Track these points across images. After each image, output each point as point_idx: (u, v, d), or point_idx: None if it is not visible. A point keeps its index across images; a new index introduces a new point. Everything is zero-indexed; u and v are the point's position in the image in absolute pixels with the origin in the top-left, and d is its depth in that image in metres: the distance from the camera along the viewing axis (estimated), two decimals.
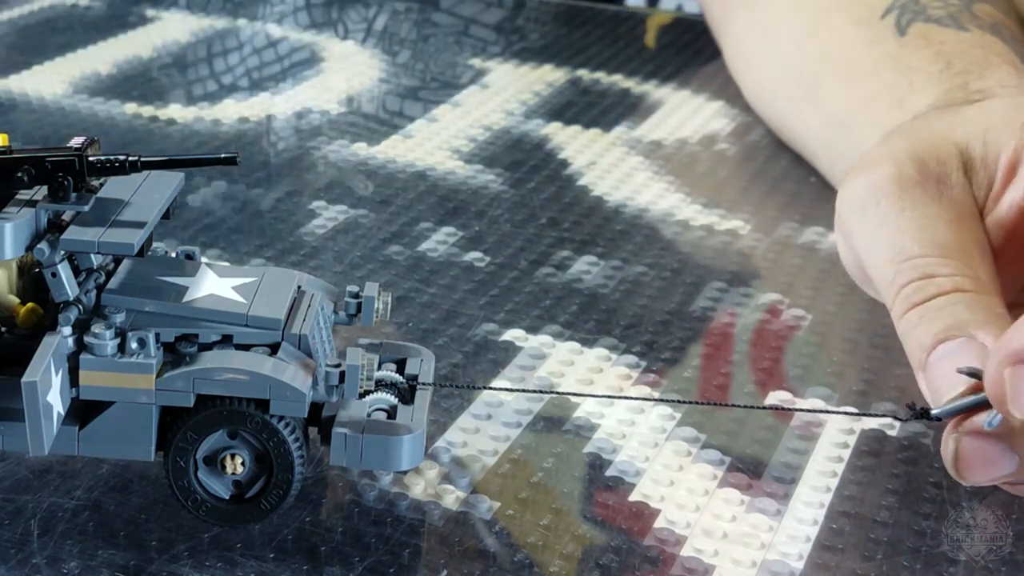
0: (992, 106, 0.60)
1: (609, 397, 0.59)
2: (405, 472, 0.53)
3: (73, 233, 0.48)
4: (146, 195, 0.51)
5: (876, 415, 0.57)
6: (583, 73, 1.00)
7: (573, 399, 0.60)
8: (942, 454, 0.50)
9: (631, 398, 0.60)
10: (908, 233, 0.55)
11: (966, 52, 0.71)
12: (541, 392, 0.59)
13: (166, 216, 0.51)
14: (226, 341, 0.49)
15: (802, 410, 0.59)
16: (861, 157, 0.62)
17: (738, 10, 0.91)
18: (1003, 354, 0.47)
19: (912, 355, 0.52)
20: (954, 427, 0.49)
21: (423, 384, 0.52)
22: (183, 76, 0.97)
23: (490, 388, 0.60)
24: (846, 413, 0.58)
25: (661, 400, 0.60)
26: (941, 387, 0.50)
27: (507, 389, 0.59)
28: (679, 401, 0.60)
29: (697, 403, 0.59)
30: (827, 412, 0.59)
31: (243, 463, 0.49)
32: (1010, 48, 0.72)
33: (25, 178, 0.48)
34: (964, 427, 0.49)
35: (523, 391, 0.59)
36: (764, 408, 0.59)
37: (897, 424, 0.58)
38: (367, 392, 0.51)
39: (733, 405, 0.59)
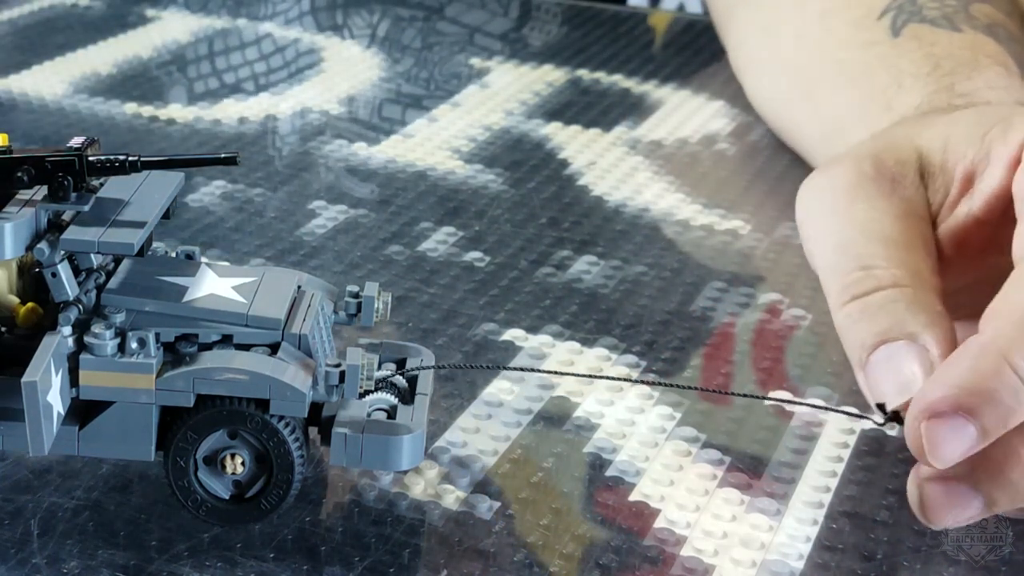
0: (961, 116, 0.60)
1: (589, 377, 0.59)
2: (405, 472, 0.53)
3: (73, 233, 0.48)
4: (146, 195, 0.51)
5: (852, 414, 0.57)
6: (583, 73, 1.00)
7: (573, 399, 0.60)
8: (909, 500, 0.50)
9: (612, 378, 0.60)
10: (854, 224, 0.55)
11: (955, 53, 0.71)
12: (525, 370, 0.60)
13: (166, 216, 0.51)
14: (226, 341, 0.49)
15: (781, 400, 0.59)
16: (828, 160, 0.62)
17: (741, 9, 0.91)
18: (918, 408, 0.48)
19: (851, 351, 0.53)
20: (916, 473, 0.49)
21: (423, 367, 0.52)
22: (183, 76, 0.97)
23: (482, 367, 0.60)
24: (838, 411, 0.58)
25: (656, 383, 0.60)
26: (884, 390, 0.50)
27: (504, 368, 0.60)
28: (670, 386, 0.60)
29: (666, 384, 0.60)
30: (813, 406, 0.59)
31: (243, 463, 0.49)
32: (1004, 49, 0.72)
33: (25, 178, 0.48)
34: (924, 474, 0.49)
35: (514, 369, 0.59)
36: (722, 392, 0.59)
37: (897, 425, 0.58)
38: (367, 392, 0.51)
39: (692, 388, 0.60)
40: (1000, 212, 0.55)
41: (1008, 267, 0.51)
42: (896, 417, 0.50)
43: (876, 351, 0.51)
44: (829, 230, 0.57)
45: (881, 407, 0.50)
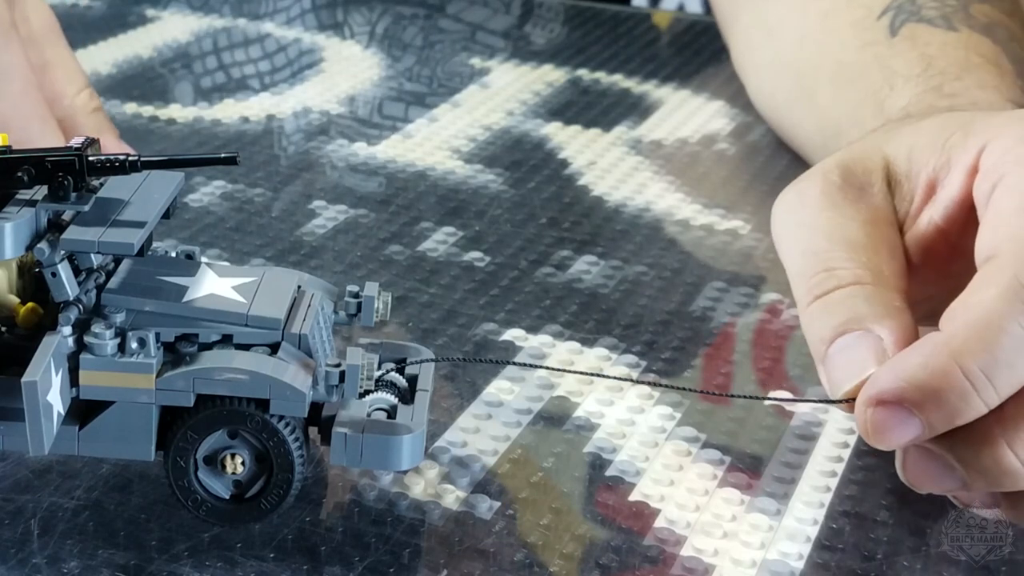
0: (926, 124, 0.60)
1: (560, 370, 0.59)
2: (405, 472, 0.53)
3: (73, 233, 0.48)
4: (146, 195, 0.51)
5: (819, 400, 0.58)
6: (583, 73, 1.00)
7: (573, 399, 0.60)
8: (895, 462, 0.51)
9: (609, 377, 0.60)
10: (820, 230, 0.56)
11: (947, 53, 0.70)
12: (526, 365, 0.60)
13: (166, 216, 0.51)
14: (226, 341, 0.49)
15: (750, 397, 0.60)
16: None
17: (745, 10, 0.91)
18: (867, 394, 0.49)
19: (812, 347, 0.53)
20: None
21: (424, 360, 0.52)
22: (183, 76, 0.97)
23: (484, 361, 0.60)
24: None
25: (655, 383, 0.60)
26: (839, 379, 0.51)
27: (504, 362, 0.60)
28: (656, 384, 0.60)
29: (666, 386, 0.60)
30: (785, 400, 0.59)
31: (243, 463, 0.49)
32: (1001, 49, 0.71)
33: (25, 178, 0.48)
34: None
35: (519, 365, 0.59)
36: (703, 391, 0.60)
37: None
38: (367, 392, 0.51)
39: (691, 390, 0.60)
40: (961, 219, 0.55)
41: (973, 273, 0.52)
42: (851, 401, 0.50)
43: (834, 343, 0.51)
44: (796, 239, 0.57)
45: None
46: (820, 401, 0.53)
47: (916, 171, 0.57)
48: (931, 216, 0.56)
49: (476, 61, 1.01)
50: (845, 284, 0.53)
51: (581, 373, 0.59)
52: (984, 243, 0.52)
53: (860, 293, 0.52)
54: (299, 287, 0.52)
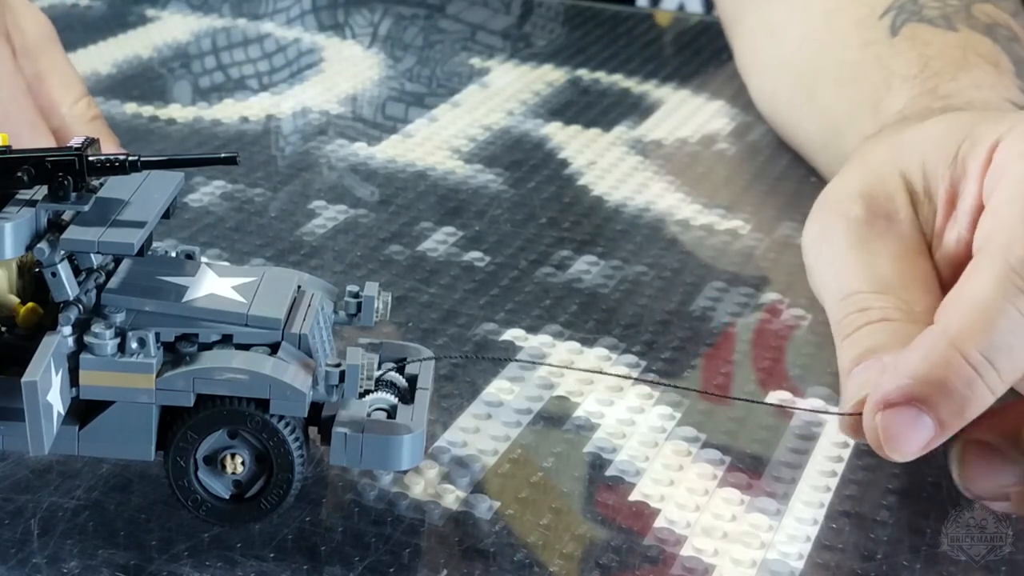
0: (930, 130, 0.60)
1: (563, 368, 0.59)
2: (405, 472, 0.53)
3: (73, 233, 0.48)
4: (146, 195, 0.51)
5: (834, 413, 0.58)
6: (583, 73, 1.00)
7: (573, 399, 0.60)
8: (949, 462, 0.51)
9: (609, 374, 0.60)
10: (851, 270, 0.56)
11: (946, 53, 0.70)
12: (532, 362, 0.60)
13: (166, 216, 0.52)
14: (226, 341, 0.49)
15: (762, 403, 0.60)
16: (821, 195, 0.63)
17: (749, 11, 0.91)
18: (873, 400, 0.48)
19: (841, 381, 0.53)
20: (962, 437, 0.50)
21: (424, 359, 0.52)
22: (183, 76, 0.97)
23: (483, 358, 0.60)
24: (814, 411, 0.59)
25: (647, 382, 0.60)
26: (847, 401, 0.51)
27: (503, 359, 0.60)
28: (657, 383, 0.60)
29: (667, 384, 0.60)
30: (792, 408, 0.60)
31: (243, 463, 0.49)
32: (1001, 48, 0.71)
33: (25, 178, 0.48)
34: (969, 434, 0.49)
35: (518, 360, 0.59)
36: (705, 393, 0.60)
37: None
38: (367, 392, 0.51)
39: (691, 389, 0.60)
40: None
41: None
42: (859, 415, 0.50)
43: (850, 374, 0.51)
44: (829, 279, 0.57)
45: None
46: (845, 413, 0.53)
47: (934, 187, 0.57)
48: (958, 232, 0.56)
49: (476, 61, 1.01)
50: (874, 321, 0.53)
51: (582, 371, 0.60)
52: (979, 235, 0.52)
53: (885, 328, 0.52)
54: (299, 287, 0.52)
